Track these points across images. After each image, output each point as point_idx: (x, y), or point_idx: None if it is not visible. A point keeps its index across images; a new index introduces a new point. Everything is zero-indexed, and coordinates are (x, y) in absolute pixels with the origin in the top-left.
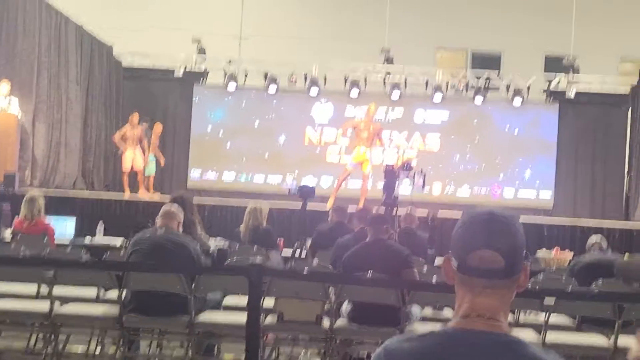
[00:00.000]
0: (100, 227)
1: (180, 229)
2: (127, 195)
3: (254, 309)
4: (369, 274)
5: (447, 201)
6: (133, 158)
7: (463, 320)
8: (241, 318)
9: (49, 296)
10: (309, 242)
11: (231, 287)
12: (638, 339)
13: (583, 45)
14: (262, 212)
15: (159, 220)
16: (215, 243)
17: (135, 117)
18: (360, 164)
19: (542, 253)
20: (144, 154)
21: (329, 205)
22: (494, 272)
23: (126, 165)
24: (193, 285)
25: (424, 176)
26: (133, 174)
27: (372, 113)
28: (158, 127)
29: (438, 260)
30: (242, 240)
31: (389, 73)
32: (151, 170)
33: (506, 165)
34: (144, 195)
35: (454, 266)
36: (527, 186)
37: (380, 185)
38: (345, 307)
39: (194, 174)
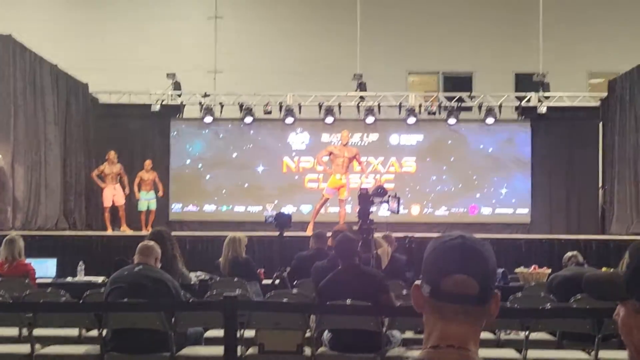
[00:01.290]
0: (80, 267)
1: (159, 265)
2: (108, 231)
3: (230, 342)
4: (347, 301)
5: (426, 222)
6: (114, 194)
7: (433, 351)
8: (222, 351)
9: (30, 338)
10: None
11: (211, 320)
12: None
13: (552, 62)
14: (240, 243)
15: (136, 257)
16: (196, 276)
17: (112, 154)
18: (337, 189)
19: (520, 270)
20: (124, 190)
21: (308, 232)
22: (468, 298)
23: (107, 202)
24: (173, 320)
25: (399, 199)
26: (114, 210)
27: (345, 139)
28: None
29: (417, 282)
30: (222, 272)
31: (362, 99)
32: (152, 204)
33: (482, 184)
34: (128, 230)
35: (425, 292)
36: (504, 204)
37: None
38: (326, 335)
39: (175, 207)
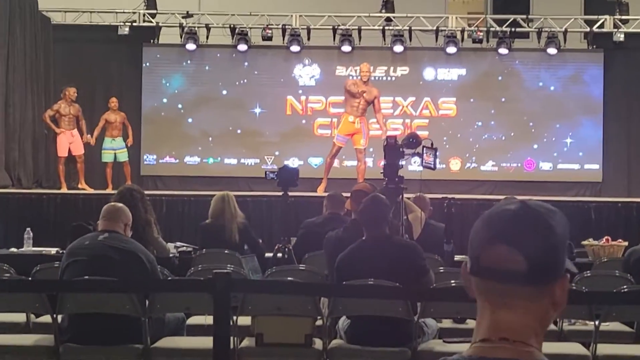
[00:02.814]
0: (28, 235)
1: (129, 233)
2: (63, 189)
3: (221, 332)
4: (369, 281)
5: (468, 179)
6: (70, 142)
7: (482, 346)
8: (209, 342)
9: None
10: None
11: (195, 304)
12: None
13: None
14: (234, 204)
15: (100, 223)
16: (176, 247)
17: (71, 90)
18: (350, 136)
19: (589, 242)
20: (83, 137)
21: (319, 191)
22: (510, 275)
23: (61, 152)
24: (147, 303)
25: (435, 151)
26: (71, 162)
27: (366, 75)
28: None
29: (458, 258)
30: (212, 241)
31: (388, 21)
32: (121, 155)
33: (541, 132)
34: (88, 188)
35: (467, 269)
36: (569, 158)
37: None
38: (342, 323)
39: (149, 159)
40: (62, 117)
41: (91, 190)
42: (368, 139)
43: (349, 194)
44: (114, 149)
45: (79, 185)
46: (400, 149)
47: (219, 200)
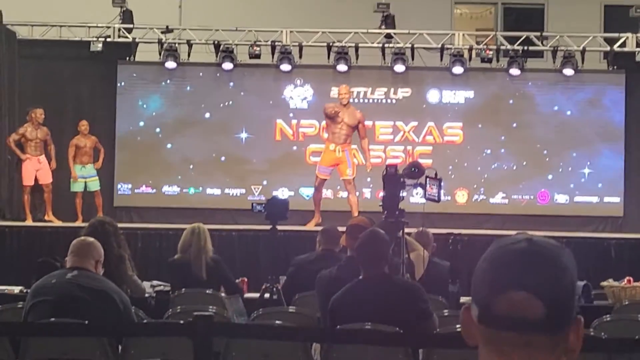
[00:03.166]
0: None
1: (101, 270)
2: (28, 221)
3: None
4: (368, 325)
5: (476, 212)
6: (37, 169)
7: None
8: None
9: None
10: (283, 281)
11: (173, 350)
12: None
13: None
14: (205, 237)
15: (69, 259)
16: (152, 287)
17: (38, 112)
18: (334, 167)
19: (609, 283)
20: (51, 163)
21: (309, 225)
22: (529, 324)
23: (27, 180)
24: (120, 349)
25: (440, 182)
26: (37, 191)
27: (344, 97)
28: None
29: (464, 299)
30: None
31: (389, 38)
32: (93, 183)
33: (556, 161)
34: (55, 220)
35: (474, 317)
36: (586, 189)
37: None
38: None
39: (123, 189)
40: (29, 141)
41: (59, 223)
42: (355, 168)
43: (344, 229)
44: (84, 177)
45: (46, 217)
46: (401, 179)
47: (188, 233)
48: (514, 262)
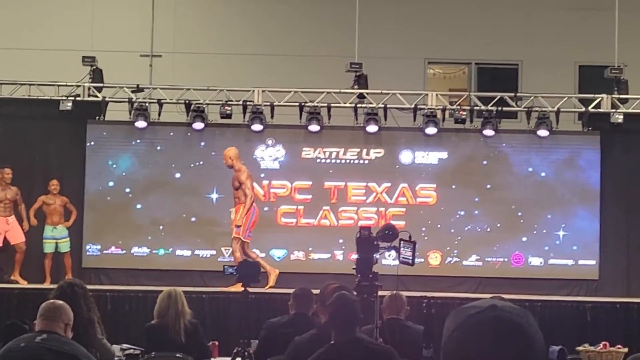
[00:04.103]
0: None
1: (70, 334)
2: None
3: None
4: None
5: (449, 275)
6: (6, 230)
7: None
8: None
9: None
10: (255, 345)
11: None
12: None
13: (631, 51)
14: (182, 300)
15: (38, 323)
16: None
17: (5, 172)
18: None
19: (585, 348)
20: (23, 223)
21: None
22: None
23: None
24: None
25: (414, 245)
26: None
27: (232, 158)
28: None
29: None
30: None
31: (361, 99)
32: (63, 245)
33: (531, 223)
34: (22, 281)
35: None
36: (561, 252)
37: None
38: None
39: (92, 249)
40: None
41: (25, 284)
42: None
43: (317, 291)
44: (56, 238)
45: (12, 277)
46: (375, 242)
47: (165, 298)
48: (484, 334)
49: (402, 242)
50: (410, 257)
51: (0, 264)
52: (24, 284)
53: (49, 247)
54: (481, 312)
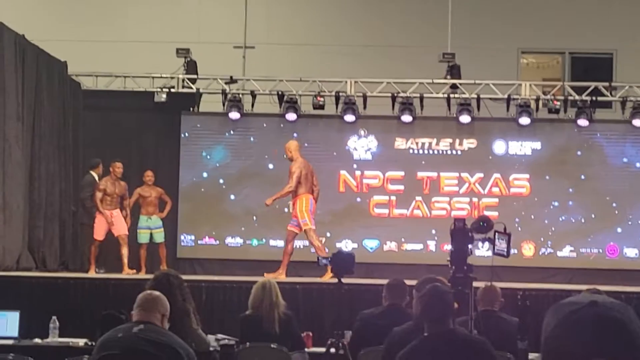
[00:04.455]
0: (54, 324)
1: (166, 325)
2: (91, 272)
3: None
4: None
5: (543, 266)
6: (111, 223)
7: None
8: None
9: None
10: (349, 336)
11: None
12: None
13: None
14: (276, 291)
15: (135, 313)
16: (217, 340)
17: (117, 166)
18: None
19: None
20: (127, 219)
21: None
22: None
23: (99, 234)
24: None
25: (509, 237)
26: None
27: (291, 151)
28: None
29: (532, 356)
30: (251, 334)
31: (454, 89)
32: (158, 235)
33: (625, 214)
34: (130, 271)
35: None
36: None
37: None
38: None
39: (186, 240)
40: (106, 196)
41: (133, 273)
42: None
43: (411, 282)
44: (150, 228)
45: (124, 272)
46: (470, 234)
47: (259, 289)
48: (587, 331)
49: (497, 233)
50: (505, 249)
51: (99, 256)
52: (132, 273)
53: (144, 237)
54: (582, 309)
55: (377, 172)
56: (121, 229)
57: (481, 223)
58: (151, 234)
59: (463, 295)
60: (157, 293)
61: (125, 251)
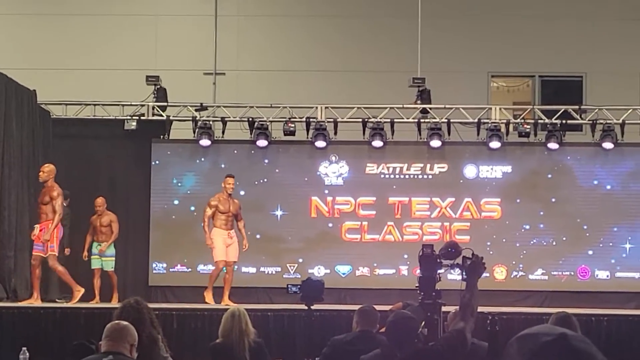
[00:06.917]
0: (24, 355)
1: (135, 354)
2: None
3: None
4: None
5: (514, 289)
6: (228, 245)
7: None
8: None
9: None
10: None
11: None
12: None
13: None
14: (247, 320)
15: (104, 344)
16: None
17: (228, 182)
18: None
19: None
20: (243, 242)
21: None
22: None
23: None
24: None
25: (474, 263)
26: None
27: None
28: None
29: None
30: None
31: (425, 114)
32: (107, 263)
33: (596, 236)
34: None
35: None
36: (628, 265)
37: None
38: None
39: (158, 267)
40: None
41: (94, 304)
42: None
43: (382, 308)
44: (100, 256)
45: (222, 302)
46: (438, 260)
47: (229, 317)
48: None
49: (464, 259)
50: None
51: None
52: (94, 304)
53: (95, 263)
54: (550, 342)
55: (348, 197)
56: (233, 255)
57: (449, 249)
58: (101, 262)
59: (432, 321)
60: (124, 323)
61: (228, 279)
